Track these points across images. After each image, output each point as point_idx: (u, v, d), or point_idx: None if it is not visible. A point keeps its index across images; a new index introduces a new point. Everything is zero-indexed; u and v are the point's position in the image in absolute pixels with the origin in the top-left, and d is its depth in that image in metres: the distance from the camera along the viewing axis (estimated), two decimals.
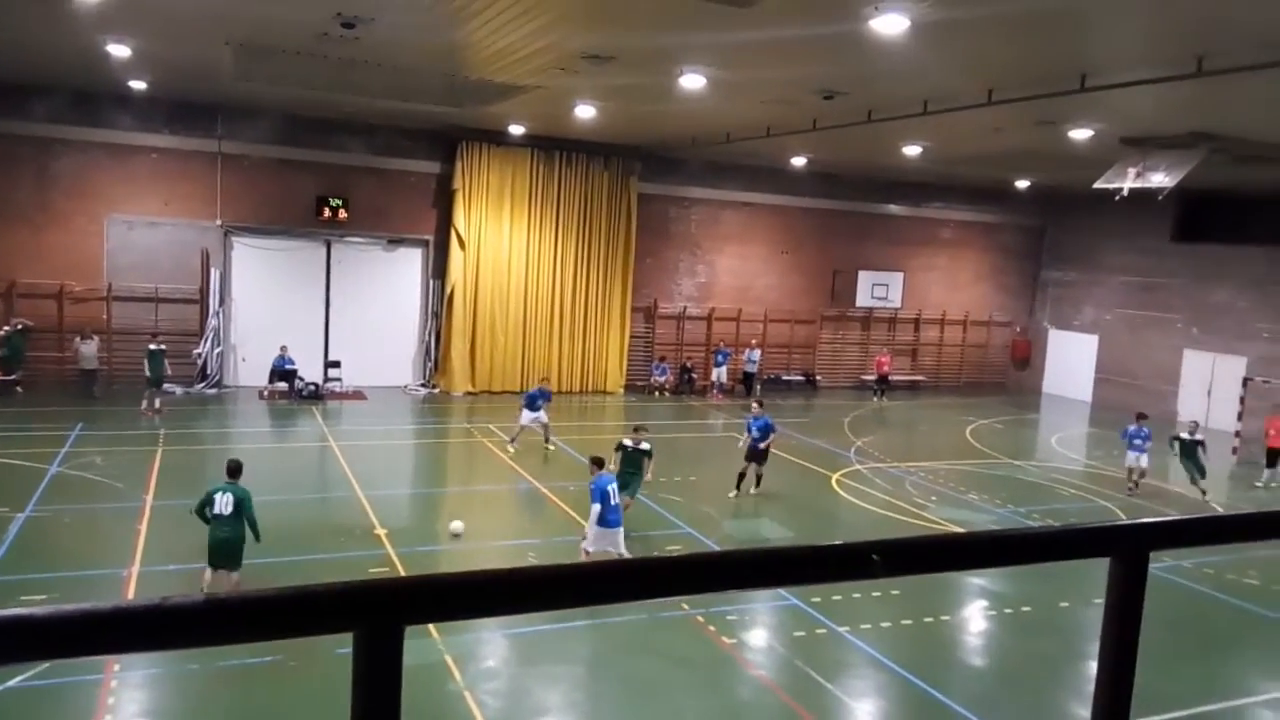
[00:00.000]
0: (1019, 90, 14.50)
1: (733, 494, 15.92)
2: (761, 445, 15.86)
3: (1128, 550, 1.51)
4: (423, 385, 25.71)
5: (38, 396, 20.91)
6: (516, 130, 24.08)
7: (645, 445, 13.59)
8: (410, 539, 12.91)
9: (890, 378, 29.48)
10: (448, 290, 25.29)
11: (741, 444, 16.45)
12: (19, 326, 21.40)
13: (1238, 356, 26.29)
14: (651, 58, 14.41)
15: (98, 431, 17.92)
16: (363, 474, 16.09)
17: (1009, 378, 33.19)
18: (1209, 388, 27.25)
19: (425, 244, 25.61)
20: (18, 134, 21.46)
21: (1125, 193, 18.44)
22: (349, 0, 12.30)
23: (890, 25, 11.27)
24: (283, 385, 22.98)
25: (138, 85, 20.15)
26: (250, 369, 23.82)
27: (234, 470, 10.21)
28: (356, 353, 24.75)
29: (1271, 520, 1.63)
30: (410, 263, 25.81)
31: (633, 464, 13.58)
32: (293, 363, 23.19)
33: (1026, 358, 33.11)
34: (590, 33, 13.27)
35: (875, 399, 28.63)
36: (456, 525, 12.87)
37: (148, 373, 20.29)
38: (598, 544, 11.20)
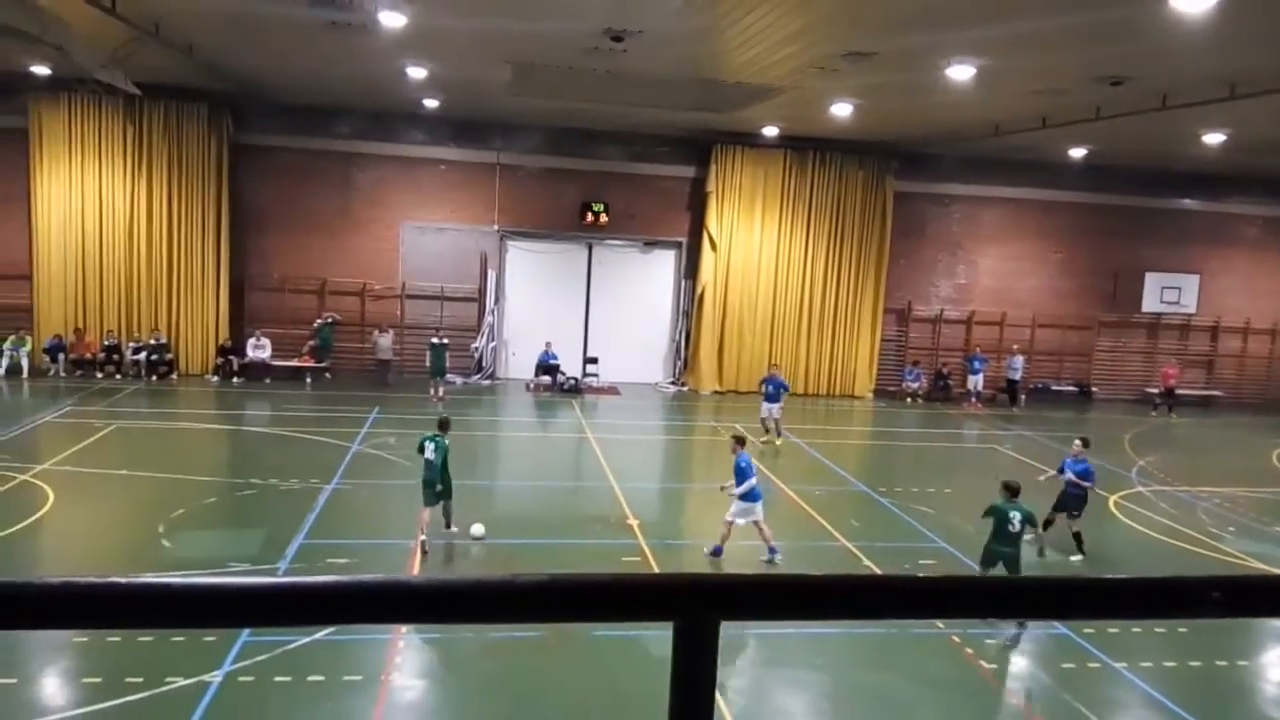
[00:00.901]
0: None
1: (1044, 555, 12.20)
2: (1076, 492, 12.84)
3: None
4: (672, 383, 26.40)
5: (342, 383, 23.72)
6: (770, 132, 24.11)
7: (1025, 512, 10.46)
8: (660, 532, 13.30)
9: (1177, 391, 26.55)
10: (698, 291, 25.80)
11: (1048, 479, 13.48)
12: (329, 320, 24.32)
13: None
14: (916, 51, 13.93)
15: (391, 415, 19.98)
16: (616, 466, 16.79)
17: None
18: None
19: (679, 246, 26.27)
20: (325, 150, 24.38)
21: None
22: (619, 14, 12.89)
23: (1194, 2, 10.19)
24: (546, 379, 24.52)
25: (430, 103, 22.25)
26: (519, 363, 25.61)
27: (441, 425, 12.32)
28: (612, 350, 25.88)
29: None
30: (664, 264, 26.59)
31: (1009, 530, 10.41)
32: (556, 358, 24.71)
33: None
34: (852, 31, 13.05)
35: (1158, 413, 25.93)
36: (478, 528, 12.26)
37: (429, 364, 22.56)
38: (744, 516, 12.00)
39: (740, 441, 12.42)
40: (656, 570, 11.12)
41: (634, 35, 13.90)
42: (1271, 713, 9.44)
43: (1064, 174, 26.22)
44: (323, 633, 9.11)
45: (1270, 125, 17.84)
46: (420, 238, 25.08)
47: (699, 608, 1.08)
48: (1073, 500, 12.95)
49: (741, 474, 11.92)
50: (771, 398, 19.30)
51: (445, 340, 23.06)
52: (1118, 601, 1.27)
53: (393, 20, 13.84)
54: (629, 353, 26.11)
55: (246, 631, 9.06)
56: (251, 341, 23.83)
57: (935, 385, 26.58)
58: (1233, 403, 28.11)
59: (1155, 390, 26.98)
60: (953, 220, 27.30)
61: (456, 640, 9.32)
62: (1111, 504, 16.11)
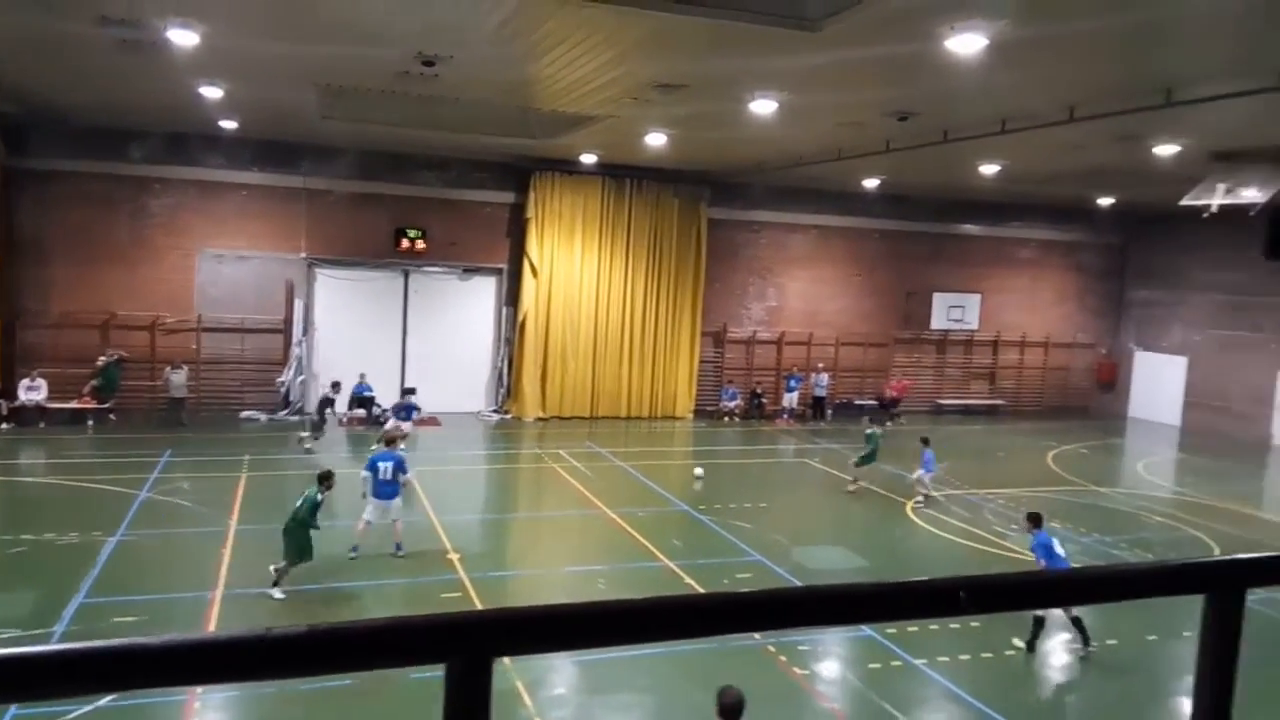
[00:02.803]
0: (1102, 106, 14.13)
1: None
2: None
3: (1224, 588, 1.44)
4: (495, 411, 26.03)
5: (129, 424, 21.80)
6: (588, 159, 24.39)
7: None
8: (483, 564, 13.01)
9: (898, 401, 28.20)
10: (520, 317, 25.64)
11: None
12: (115, 357, 22.36)
13: None
14: (722, 84, 14.46)
15: (185, 458, 18.56)
16: (436, 498, 16.30)
17: (1093, 402, 32.09)
18: None
19: (499, 272, 26.03)
20: (117, 174, 22.56)
21: (1214, 209, 17.76)
22: (430, 39, 12.65)
23: (967, 45, 11.11)
24: (361, 412, 23.51)
25: (228, 125, 21.01)
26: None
27: (321, 478, 12.22)
28: (432, 379, 25.18)
29: None
30: (484, 291, 26.26)
31: None
32: (371, 390, 23.74)
33: (1112, 381, 31.99)
34: (661, 62, 13.38)
35: (893, 424, 27.61)
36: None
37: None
38: (375, 516, 13.02)
39: (389, 443, 13.81)
40: (479, 605, 10.84)
41: (446, 60, 13.68)
42: (1058, 697, 10.27)
43: (863, 202, 28.00)
44: (105, 700, 8.26)
45: (1037, 158, 19.74)
46: (219, 266, 23.59)
47: (468, 646, 1.05)
48: None
49: (366, 464, 13.34)
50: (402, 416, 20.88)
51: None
52: (876, 605, 1.34)
53: (184, 39, 12.98)
54: (449, 382, 25.52)
55: (14, 706, 8.07)
56: (25, 383, 21.55)
57: (750, 404, 27.55)
58: (1013, 411, 30.74)
59: (958, 402, 29.03)
60: (762, 246, 28.51)
61: (257, 696, 8.69)
62: (908, 509, 17.17)
